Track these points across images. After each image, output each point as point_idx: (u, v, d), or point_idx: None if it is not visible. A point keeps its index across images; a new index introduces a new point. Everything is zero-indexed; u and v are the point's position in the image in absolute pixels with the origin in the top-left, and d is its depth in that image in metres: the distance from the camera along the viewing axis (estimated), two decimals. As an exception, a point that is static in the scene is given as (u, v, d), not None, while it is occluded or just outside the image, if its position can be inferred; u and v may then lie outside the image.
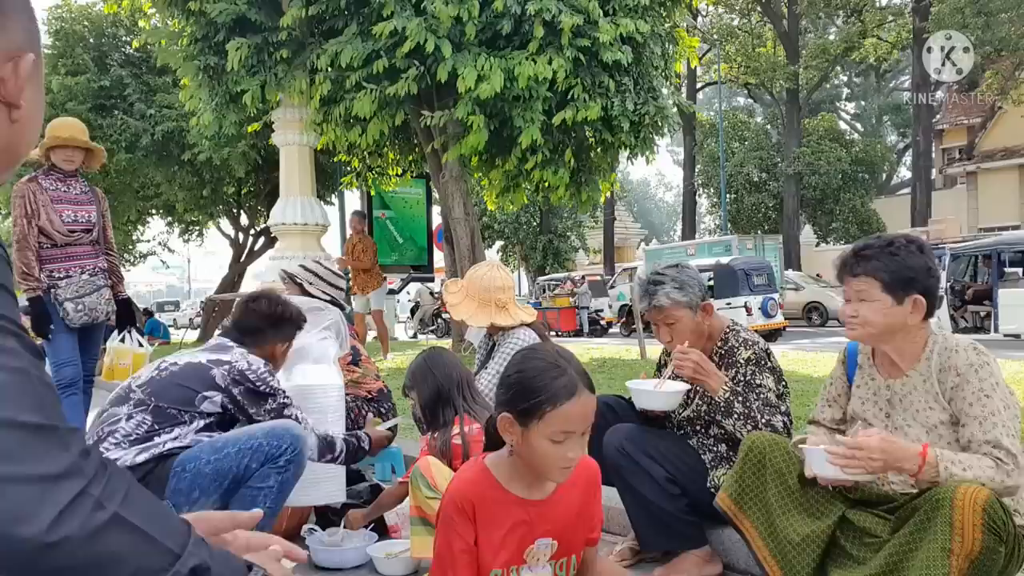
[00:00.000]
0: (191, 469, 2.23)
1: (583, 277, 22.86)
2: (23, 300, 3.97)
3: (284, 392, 2.50)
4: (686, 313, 2.55)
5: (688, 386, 2.58)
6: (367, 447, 2.80)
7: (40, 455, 0.75)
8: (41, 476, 0.74)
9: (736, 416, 2.46)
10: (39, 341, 4.10)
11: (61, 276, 4.12)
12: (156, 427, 2.28)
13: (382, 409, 3.60)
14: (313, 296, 3.67)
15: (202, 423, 2.34)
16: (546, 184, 10.00)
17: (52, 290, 4.10)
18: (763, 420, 2.43)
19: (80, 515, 0.75)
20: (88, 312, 4.17)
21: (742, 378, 2.53)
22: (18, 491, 0.72)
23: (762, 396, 2.49)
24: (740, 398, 2.47)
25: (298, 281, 3.76)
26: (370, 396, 3.59)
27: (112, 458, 2.21)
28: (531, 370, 1.69)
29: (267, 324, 2.63)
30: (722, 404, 2.47)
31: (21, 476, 0.73)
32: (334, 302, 3.66)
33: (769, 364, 2.55)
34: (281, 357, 2.72)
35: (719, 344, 2.61)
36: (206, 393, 2.35)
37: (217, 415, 2.38)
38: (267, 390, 2.44)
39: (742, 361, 2.54)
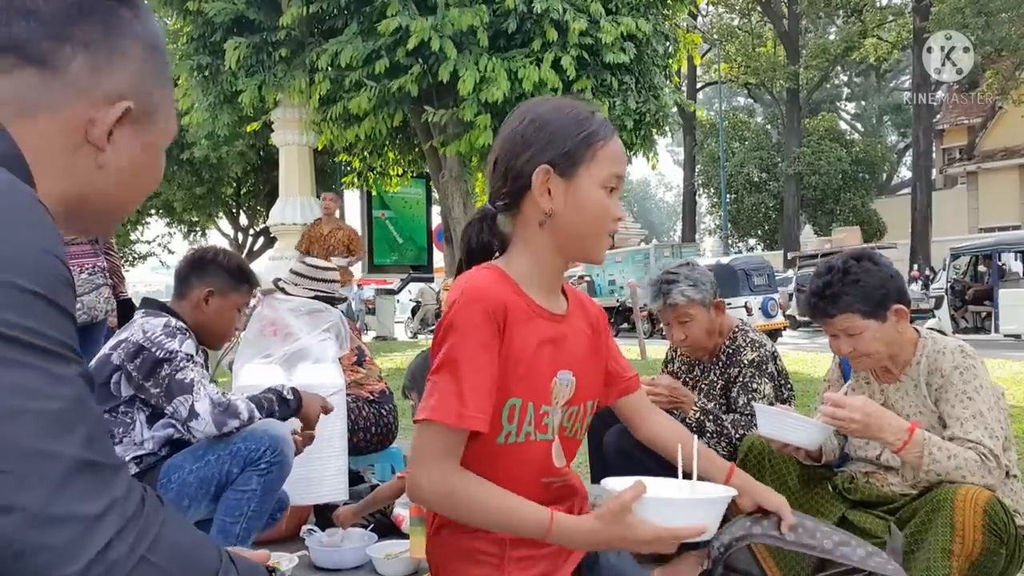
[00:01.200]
0: (176, 480, 2.19)
1: (580, 277, 22.84)
2: None
3: (186, 354, 2.23)
4: (700, 311, 2.55)
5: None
6: (293, 400, 2.36)
7: (87, 493, 0.73)
8: (86, 516, 0.73)
9: (708, 435, 2.48)
10: None
11: None
12: None
13: (383, 410, 3.58)
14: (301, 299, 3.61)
15: (143, 416, 2.24)
16: None
17: None
18: (737, 435, 2.46)
19: (114, 557, 0.74)
20: (87, 311, 4.16)
21: (741, 379, 2.54)
22: (63, 530, 0.72)
23: (755, 401, 2.49)
24: (711, 417, 2.49)
25: (280, 286, 3.67)
26: (372, 398, 3.57)
27: None
28: (558, 109, 1.38)
29: (188, 268, 2.45)
30: (693, 425, 2.49)
31: (67, 515, 0.72)
32: (328, 298, 3.59)
33: (770, 369, 2.55)
34: (215, 312, 2.43)
35: (727, 343, 2.62)
36: (114, 379, 2.21)
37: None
38: (163, 355, 2.18)
39: (745, 362, 2.55)
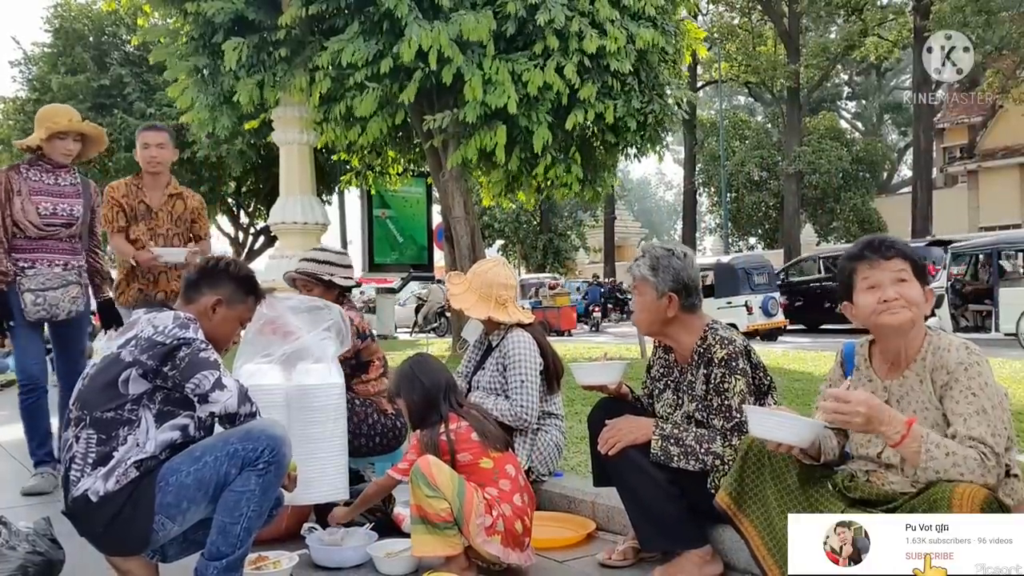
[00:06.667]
0: (174, 483, 2.19)
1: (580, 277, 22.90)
2: None
3: (202, 340, 2.28)
4: (650, 292, 2.60)
5: (625, 362, 2.80)
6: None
7: None
8: None
9: (676, 456, 2.49)
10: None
11: (27, 266, 3.91)
12: (105, 439, 2.19)
13: (398, 423, 3.56)
14: (339, 286, 3.62)
15: (151, 415, 2.24)
16: (549, 182, 10.02)
17: (17, 278, 3.88)
18: (703, 449, 2.47)
19: None
20: (47, 308, 3.92)
21: (713, 380, 2.54)
22: None
23: (725, 403, 2.50)
24: (672, 440, 2.51)
25: (321, 277, 3.61)
26: (390, 411, 3.53)
27: (83, 487, 2.16)
28: None
29: (200, 274, 2.46)
30: (660, 455, 2.51)
31: None
32: (326, 282, 3.59)
33: (741, 365, 2.53)
34: (219, 321, 2.44)
35: (699, 343, 2.62)
36: (123, 377, 2.22)
37: (162, 392, 2.25)
38: (176, 342, 2.22)
39: (716, 361, 2.54)
